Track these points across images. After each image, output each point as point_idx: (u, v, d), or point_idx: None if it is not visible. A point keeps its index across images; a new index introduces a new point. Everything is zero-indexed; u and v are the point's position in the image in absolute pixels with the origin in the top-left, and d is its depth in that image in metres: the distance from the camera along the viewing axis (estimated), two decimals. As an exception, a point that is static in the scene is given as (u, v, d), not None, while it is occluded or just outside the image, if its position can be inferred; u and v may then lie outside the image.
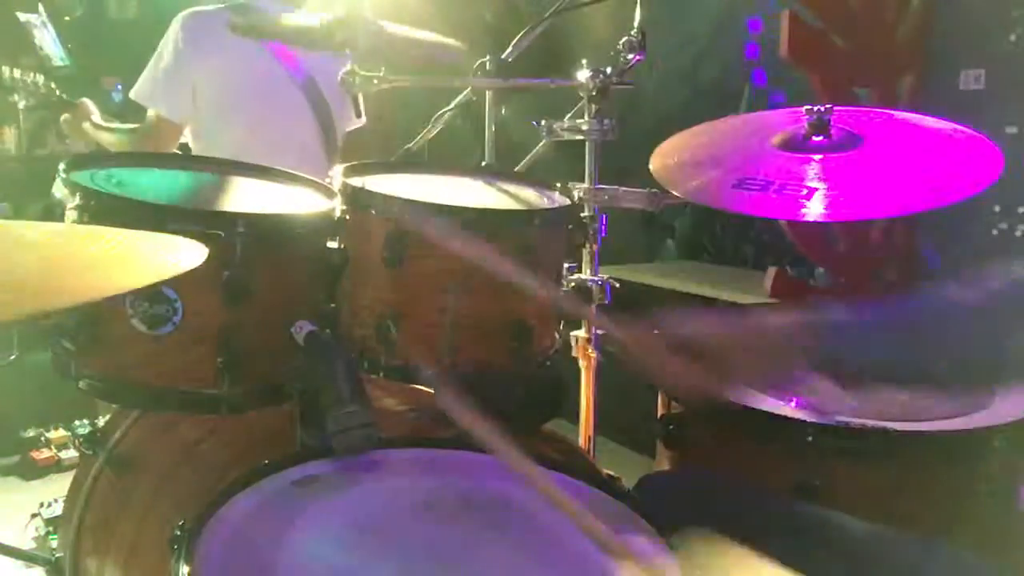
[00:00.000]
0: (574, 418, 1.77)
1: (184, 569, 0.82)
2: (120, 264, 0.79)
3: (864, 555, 1.02)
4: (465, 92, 1.99)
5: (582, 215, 1.61)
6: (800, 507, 1.16)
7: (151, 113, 2.44)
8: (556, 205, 1.56)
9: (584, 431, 1.77)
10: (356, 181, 1.47)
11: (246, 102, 2.45)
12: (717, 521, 1.08)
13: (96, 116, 2.62)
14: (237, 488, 0.97)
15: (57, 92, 2.62)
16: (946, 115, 1.57)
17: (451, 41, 1.98)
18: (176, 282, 1.18)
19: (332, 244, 1.35)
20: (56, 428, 3.54)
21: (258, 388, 1.28)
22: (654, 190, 1.65)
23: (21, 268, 0.72)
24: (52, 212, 1.25)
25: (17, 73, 2.62)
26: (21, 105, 2.68)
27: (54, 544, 2.28)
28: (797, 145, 1.53)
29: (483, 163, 1.94)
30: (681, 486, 1.18)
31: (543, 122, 1.72)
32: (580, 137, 1.69)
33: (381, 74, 1.73)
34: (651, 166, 1.59)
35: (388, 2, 2.02)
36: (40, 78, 2.62)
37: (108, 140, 2.57)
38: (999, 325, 0.86)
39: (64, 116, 2.64)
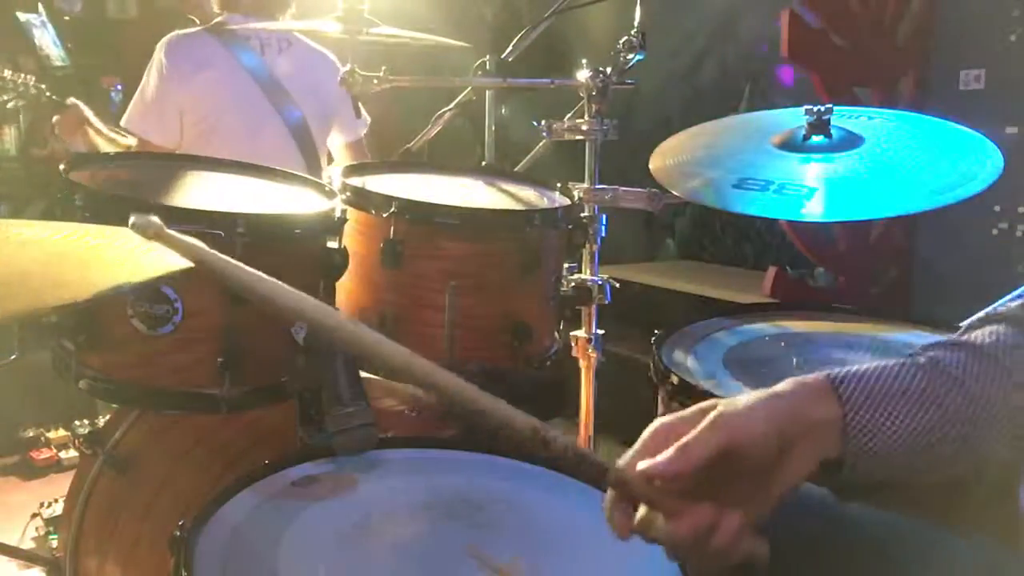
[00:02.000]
0: (574, 418, 1.77)
1: (184, 569, 0.82)
2: (120, 261, 0.79)
3: (873, 536, 1.02)
4: (465, 92, 1.99)
5: (582, 215, 1.61)
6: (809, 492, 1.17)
7: (143, 140, 2.48)
8: (556, 205, 1.56)
9: (584, 431, 1.77)
10: (356, 181, 1.47)
11: (225, 123, 2.48)
12: None
13: (92, 117, 2.63)
14: (237, 488, 0.97)
15: (48, 93, 2.63)
16: (946, 115, 1.57)
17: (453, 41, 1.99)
18: (176, 282, 1.18)
19: (332, 244, 1.35)
20: (56, 428, 3.54)
21: (258, 388, 1.28)
22: (654, 190, 1.65)
23: (21, 264, 0.72)
24: (52, 213, 1.25)
25: (8, 74, 2.63)
26: (10, 105, 2.69)
27: (54, 544, 2.28)
28: (797, 145, 1.53)
29: (483, 163, 1.94)
30: None
31: (543, 122, 1.72)
32: (580, 137, 1.69)
33: (381, 74, 1.74)
34: (651, 166, 1.59)
35: (389, 3, 2.02)
36: (31, 79, 2.63)
37: (104, 149, 2.60)
38: None
39: (55, 117, 2.65)
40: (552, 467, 1.11)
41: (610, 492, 0.79)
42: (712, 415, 0.77)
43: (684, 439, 0.76)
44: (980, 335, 0.82)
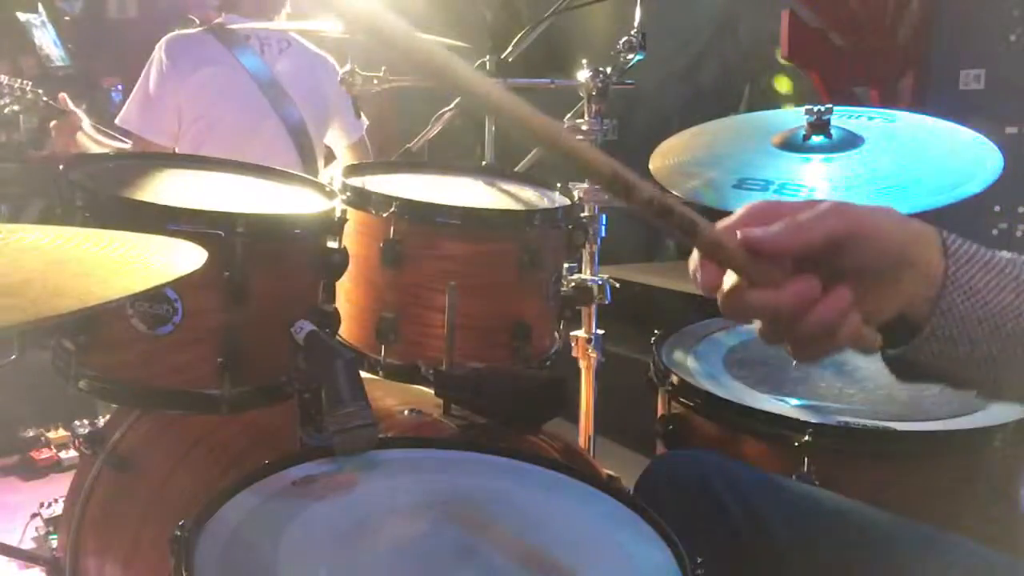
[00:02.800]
0: (574, 418, 1.77)
1: (184, 569, 0.82)
2: (122, 267, 0.79)
3: (873, 536, 1.02)
4: (465, 92, 1.99)
5: (582, 215, 1.61)
6: (808, 488, 1.17)
7: (138, 138, 2.48)
8: (556, 205, 1.56)
9: (584, 431, 1.77)
10: (356, 181, 1.47)
11: (224, 121, 2.49)
12: (726, 501, 1.09)
13: (88, 126, 2.63)
14: (237, 488, 0.97)
15: (44, 98, 2.63)
16: (946, 115, 1.57)
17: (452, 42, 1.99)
18: (176, 282, 1.17)
19: (332, 244, 1.35)
20: (56, 428, 3.54)
21: (258, 388, 1.28)
22: (654, 190, 1.64)
23: (21, 273, 0.72)
24: (52, 213, 1.25)
25: (3, 79, 2.63)
26: (7, 111, 2.69)
27: (54, 544, 2.28)
28: (797, 145, 1.53)
29: (483, 163, 1.94)
30: (691, 467, 1.18)
31: (543, 122, 1.72)
32: (580, 137, 1.69)
33: (381, 74, 1.74)
34: (651, 166, 1.59)
35: (388, 2, 2.02)
36: (28, 84, 2.63)
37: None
38: None
39: (53, 123, 2.65)
40: (552, 466, 1.11)
41: (697, 252, 0.74)
42: (833, 204, 0.72)
43: (800, 217, 0.71)
44: None
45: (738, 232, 0.71)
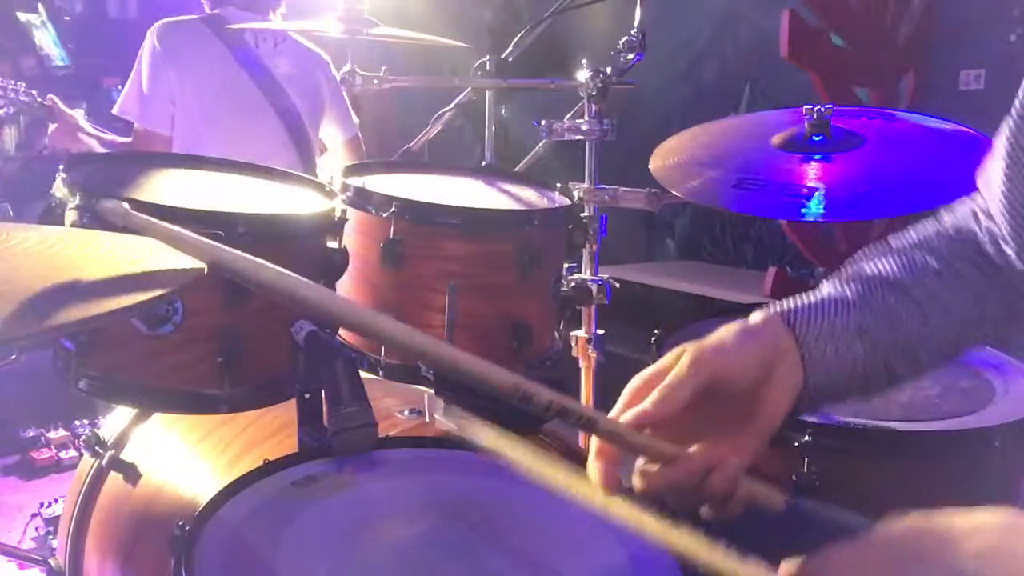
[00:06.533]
0: (574, 418, 1.76)
1: (184, 569, 0.82)
2: (123, 271, 0.79)
3: None
4: (465, 92, 1.99)
5: (582, 215, 1.61)
6: (800, 502, 1.17)
7: (138, 127, 2.47)
8: (556, 205, 1.56)
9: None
10: (356, 181, 1.47)
11: (217, 114, 2.48)
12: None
13: (85, 123, 2.63)
14: (237, 488, 0.97)
15: (39, 100, 2.62)
16: (946, 115, 1.57)
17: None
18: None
19: (332, 244, 1.35)
20: (56, 428, 3.54)
21: (258, 388, 1.28)
22: (654, 190, 1.65)
23: (21, 281, 0.71)
24: (52, 213, 1.25)
25: None
26: (1, 113, 2.68)
27: (54, 544, 2.28)
28: (797, 145, 1.53)
29: (483, 163, 1.94)
30: None
31: (543, 122, 1.72)
32: (580, 137, 1.69)
33: (381, 74, 1.74)
34: (651, 166, 1.59)
35: (389, 3, 2.03)
36: (22, 85, 2.63)
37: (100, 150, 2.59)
38: None
39: (52, 127, 2.65)
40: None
41: (594, 443, 0.82)
42: (688, 356, 0.79)
43: (665, 382, 0.78)
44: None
45: (623, 416, 0.80)
